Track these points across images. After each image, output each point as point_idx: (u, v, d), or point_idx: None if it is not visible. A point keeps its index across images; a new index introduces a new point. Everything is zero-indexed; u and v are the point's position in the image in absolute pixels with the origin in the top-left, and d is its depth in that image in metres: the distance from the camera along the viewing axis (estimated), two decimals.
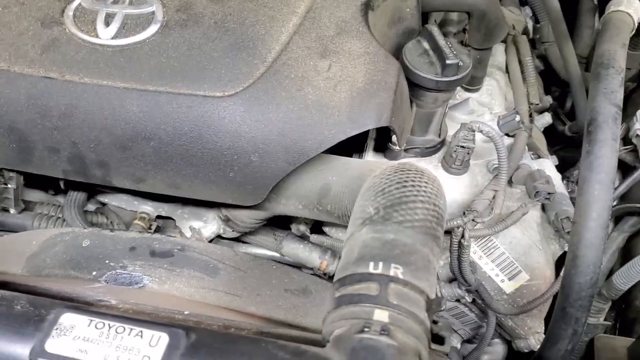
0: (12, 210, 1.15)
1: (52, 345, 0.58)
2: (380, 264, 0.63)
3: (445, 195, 0.77)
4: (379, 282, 0.61)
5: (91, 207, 1.24)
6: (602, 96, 0.96)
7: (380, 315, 0.59)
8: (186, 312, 0.73)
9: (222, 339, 0.59)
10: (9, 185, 1.11)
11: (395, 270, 0.62)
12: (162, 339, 0.58)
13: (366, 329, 0.58)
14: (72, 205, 1.15)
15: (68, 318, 0.59)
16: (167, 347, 0.57)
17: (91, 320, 0.59)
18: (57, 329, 0.58)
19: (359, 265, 0.64)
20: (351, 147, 1.16)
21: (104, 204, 1.23)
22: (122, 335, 0.58)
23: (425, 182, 0.74)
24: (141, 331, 0.58)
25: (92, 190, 1.18)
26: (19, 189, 1.13)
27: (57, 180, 1.15)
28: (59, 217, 1.17)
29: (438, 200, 0.73)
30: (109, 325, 0.59)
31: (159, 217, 1.20)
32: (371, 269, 0.63)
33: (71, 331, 0.58)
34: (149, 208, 1.18)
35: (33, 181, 1.19)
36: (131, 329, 0.58)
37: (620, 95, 0.97)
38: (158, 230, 1.20)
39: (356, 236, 0.69)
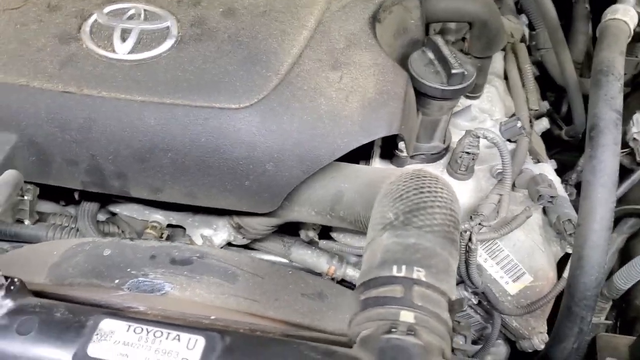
0: (26, 222, 1.17)
1: (94, 349, 0.60)
2: (404, 268, 0.66)
3: (458, 200, 0.81)
4: (403, 284, 0.64)
5: (101, 217, 1.26)
6: (602, 102, 0.99)
7: (406, 316, 0.62)
8: (212, 317, 0.76)
9: (255, 341, 0.62)
10: (25, 197, 1.12)
11: (418, 273, 0.65)
12: (198, 342, 0.60)
13: (393, 330, 0.61)
14: (86, 216, 1.18)
15: (107, 324, 0.62)
16: (204, 350, 0.60)
17: (129, 326, 0.61)
18: (97, 334, 0.61)
19: (383, 269, 0.67)
20: (358, 154, 1.19)
21: (114, 214, 1.26)
22: (160, 339, 0.61)
23: (441, 188, 0.77)
24: (178, 335, 0.61)
25: (104, 200, 1.21)
26: (34, 200, 1.15)
27: (68, 192, 1.17)
28: (72, 228, 1.19)
29: (453, 205, 0.76)
30: (147, 329, 0.61)
31: (169, 225, 1.22)
32: (395, 272, 0.66)
33: (111, 336, 0.61)
34: (159, 217, 1.21)
35: (44, 193, 1.21)
36: (169, 333, 0.61)
37: (620, 101, 1.01)
38: (169, 238, 1.22)
39: (378, 241, 0.72)
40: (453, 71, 1.01)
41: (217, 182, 0.97)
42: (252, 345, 0.61)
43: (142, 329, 0.61)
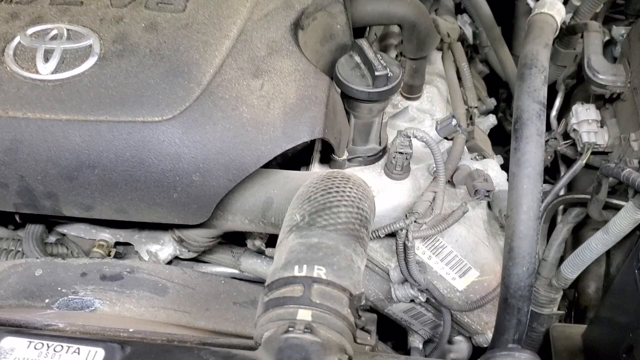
0: None
1: None
2: (305, 267, 0.67)
3: (372, 198, 0.81)
4: (303, 283, 0.65)
5: (52, 238, 1.26)
6: (525, 95, 1.00)
7: (304, 314, 0.62)
8: (131, 330, 0.76)
9: (157, 349, 0.62)
10: None
11: (319, 272, 0.66)
12: (98, 353, 0.61)
13: (291, 329, 0.61)
14: (31, 238, 1.17)
15: (8, 342, 0.62)
16: None
17: (30, 342, 0.62)
18: None
19: (286, 270, 0.68)
20: (299, 160, 1.19)
21: (64, 235, 1.26)
22: (60, 354, 0.61)
23: (350, 188, 0.78)
24: (78, 348, 0.61)
25: (51, 222, 1.21)
26: None
27: (14, 215, 1.17)
28: (19, 251, 1.19)
29: (362, 203, 0.77)
30: (47, 345, 0.62)
31: (118, 243, 1.22)
32: (296, 272, 0.66)
33: (11, 353, 0.61)
34: (106, 235, 1.21)
35: None
36: (69, 347, 0.61)
37: (543, 93, 1.01)
38: (118, 256, 1.22)
39: (284, 243, 0.73)
40: (377, 73, 1.02)
41: (145, 196, 0.97)
42: (152, 354, 0.61)
43: (43, 345, 0.62)
